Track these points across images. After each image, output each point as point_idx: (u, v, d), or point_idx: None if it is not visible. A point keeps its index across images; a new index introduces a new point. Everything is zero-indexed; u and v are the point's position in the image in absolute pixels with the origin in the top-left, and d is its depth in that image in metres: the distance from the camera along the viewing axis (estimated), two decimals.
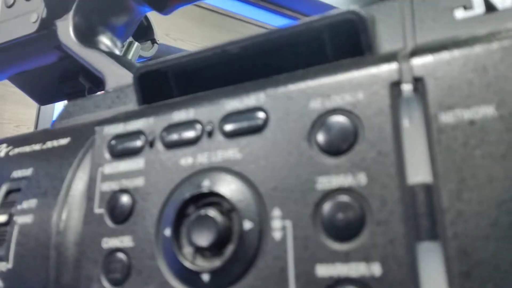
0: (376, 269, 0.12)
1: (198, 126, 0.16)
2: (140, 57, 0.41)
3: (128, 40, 0.37)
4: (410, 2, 0.16)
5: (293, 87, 0.15)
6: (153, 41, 0.41)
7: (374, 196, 0.13)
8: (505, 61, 0.12)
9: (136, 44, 0.37)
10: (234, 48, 0.17)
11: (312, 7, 1.77)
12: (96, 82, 0.30)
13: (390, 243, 0.12)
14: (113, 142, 0.17)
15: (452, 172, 0.12)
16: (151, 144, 0.17)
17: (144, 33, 0.41)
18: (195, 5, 1.73)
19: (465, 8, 0.15)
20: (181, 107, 0.17)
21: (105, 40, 0.30)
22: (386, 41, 0.16)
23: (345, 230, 0.13)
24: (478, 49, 0.13)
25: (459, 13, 0.15)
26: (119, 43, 0.31)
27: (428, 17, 0.15)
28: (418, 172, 0.13)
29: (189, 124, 0.16)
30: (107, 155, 0.17)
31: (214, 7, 1.80)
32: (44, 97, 0.36)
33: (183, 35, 1.72)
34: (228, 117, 0.16)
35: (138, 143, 0.17)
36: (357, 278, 0.12)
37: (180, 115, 0.17)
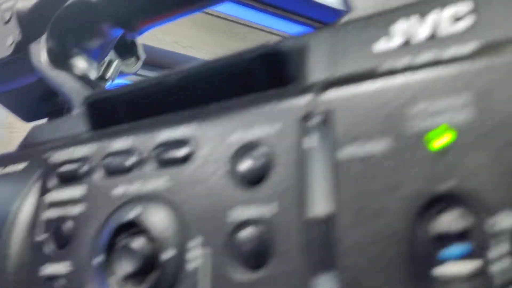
0: None
1: (134, 155, 0.17)
2: (124, 73, 0.42)
3: (107, 59, 0.38)
4: (339, 32, 0.17)
5: (218, 119, 0.16)
6: (137, 57, 0.41)
7: (280, 228, 0.13)
8: (398, 99, 0.12)
9: (115, 62, 0.38)
10: (171, 78, 0.18)
11: (322, 12, 1.77)
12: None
13: (291, 274, 0.13)
14: (60, 168, 0.18)
15: (347, 205, 0.12)
16: (92, 171, 0.17)
17: (129, 49, 0.42)
18: (205, 12, 1.75)
19: (384, 40, 0.15)
20: (121, 135, 0.17)
21: (79, 63, 0.30)
22: (315, 71, 0.16)
23: (253, 261, 0.13)
24: (377, 84, 0.13)
25: (377, 46, 0.15)
26: (95, 64, 0.32)
27: (351, 48, 0.16)
28: (319, 204, 0.13)
29: (126, 152, 0.17)
30: (52, 182, 0.18)
31: (224, 14, 1.81)
32: (28, 115, 0.37)
33: (192, 43, 1.73)
34: (160, 147, 0.16)
35: (80, 171, 0.18)
36: None
37: (119, 144, 0.17)
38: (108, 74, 0.38)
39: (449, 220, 0.11)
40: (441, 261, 0.11)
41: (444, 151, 0.12)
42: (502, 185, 0.11)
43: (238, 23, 1.86)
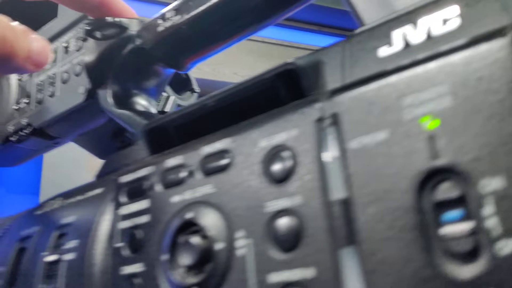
0: (310, 273, 0.15)
1: (184, 169, 0.20)
2: (181, 106, 0.47)
3: (165, 95, 0.42)
4: (349, 45, 0.19)
5: (249, 131, 0.18)
6: (192, 91, 0.46)
7: (307, 214, 0.16)
8: (390, 96, 0.15)
9: (172, 97, 0.42)
10: (210, 101, 0.21)
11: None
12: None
13: (320, 250, 0.15)
14: (127, 188, 0.22)
15: (360, 189, 0.15)
16: (152, 187, 0.21)
17: (184, 85, 0.47)
18: (260, 40, 1.81)
19: (387, 46, 0.18)
20: (173, 154, 0.21)
21: (140, 101, 0.35)
22: (330, 82, 0.19)
23: (288, 243, 0.16)
24: (375, 84, 0.15)
25: (382, 51, 0.18)
26: (153, 101, 0.36)
27: (360, 57, 0.18)
28: (338, 190, 0.15)
29: (178, 168, 0.20)
30: (123, 199, 0.22)
31: (279, 40, 1.86)
32: (102, 152, 0.42)
33: (250, 72, 1.78)
34: (205, 160, 0.19)
35: (144, 187, 0.21)
36: (298, 281, 0.15)
37: (172, 162, 0.21)
38: (167, 108, 0.43)
39: (446, 190, 0.14)
40: (444, 224, 0.13)
41: (435, 132, 0.14)
42: (482, 157, 0.13)
43: (295, 47, 1.89)
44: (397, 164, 0.14)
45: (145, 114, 0.32)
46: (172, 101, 0.42)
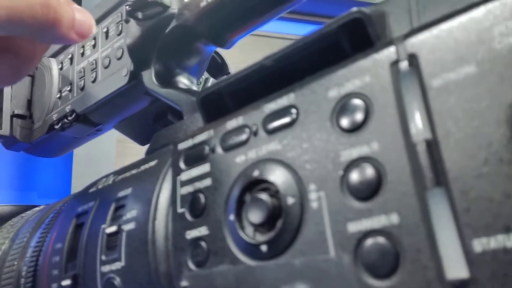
0: (394, 218, 0.14)
1: (246, 130, 0.19)
2: None
3: (204, 77, 0.42)
4: None
5: (314, 84, 0.18)
6: (228, 75, 0.46)
7: (387, 159, 0.15)
8: (477, 28, 0.14)
9: (211, 79, 0.42)
10: (268, 61, 0.20)
11: None
12: (182, 117, 0.35)
13: (403, 195, 0.14)
14: (185, 154, 0.22)
15: (446, 127, 0.14)
16: (213, 150, 0.20)
17: (220, 69, 0.47)
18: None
19: None
20: (232, 117, 0.20)
21: (183, 80, 0.35)
22: (397, 30, 0.18)
23: (366, 191, 0.15)
24: (454, 21, 0.15)
25: None
26: (195, 81, 0.36)
27: (428, 1, 0.18)
28: (420, 131, 0.15)
29: (239, 129, 0.20)
30: (182, 165, 0.21)
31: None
32: (143, 138, 0.42)
33: None
34: (268, 118, 0.19)
35: (204, 151, 0.21)
36: (380, 229, 0.15)
37: (232, 124, 0.20)
38: None
39: None
40: None
41: None
42: None
43: None
44: (490, 96, 0.13)
45: (189, 92, 0.32)
46: (210, 83, 0.42)
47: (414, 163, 0.14)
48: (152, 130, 0.41)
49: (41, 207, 0.40)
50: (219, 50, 0.43)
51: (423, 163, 0.14)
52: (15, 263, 0.30)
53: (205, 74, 0.44)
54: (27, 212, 0.38)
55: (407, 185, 0.14)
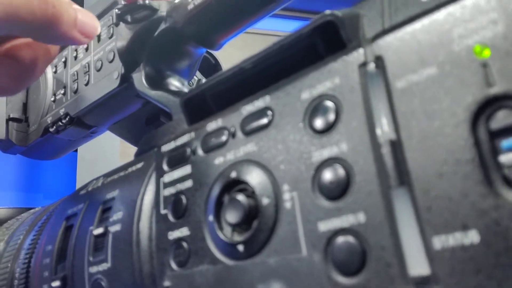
0: (361, 217, 0.15)
1: (225, 131, 0.20)
2: None
3: (197, 78, 0.43)
4: None
5: (289, 86, 0.18)
6: (210, 77, 0.46)
7: (355, 160, 0.15)
8: (438, 30, 0.14)
9: (203, 80, 0.43)
10: (247, 64, 0.21)
11: None
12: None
13: (369, 194, 0.15)
14: (168, 156, 0.22)
15: (409, 128, 0.14)
16: (194, 152, 0.21)
17: (213, 69, 0.47)
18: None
19: None
20: (212, 119, 0.21)
21: (173, 82, 0.35)
22: (370, 31, 0.18)
23: (336, 191, 0.16)
24: (418, 23, 0.15)
25: None
26: (186, 82, 0.36)
27: (400, 4, 0.18)
28: (385, 131, 0.15)
29: (218, 131, 0.20)
30: (165, 167, 0.22)
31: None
32: (137, 140, 0.43)
33: None
34: (246, 120, 0.19)
35: (185, 153, 0.21)
36: (348, 228, 0.15)
37: (212, 126, 0.21)
38: None
39: (504, 117, 0.13)
40: (504, 152, 0.13)
41: (488, 60, 0.13)
42: None
43: None
44: (449, 98, 0.14)
45: (179, 94, 0.33)
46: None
47: (379, 163, 0.15)
48: (145, 132, 0.41)
49: (37, 209, 0.40)
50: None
51: (387, 163, 0.15)
52: (9, 265, 0.30)
53: (198, 75, 0.45)
54: (22, 215, 0.39)
55: (373, 184, 0.15)
